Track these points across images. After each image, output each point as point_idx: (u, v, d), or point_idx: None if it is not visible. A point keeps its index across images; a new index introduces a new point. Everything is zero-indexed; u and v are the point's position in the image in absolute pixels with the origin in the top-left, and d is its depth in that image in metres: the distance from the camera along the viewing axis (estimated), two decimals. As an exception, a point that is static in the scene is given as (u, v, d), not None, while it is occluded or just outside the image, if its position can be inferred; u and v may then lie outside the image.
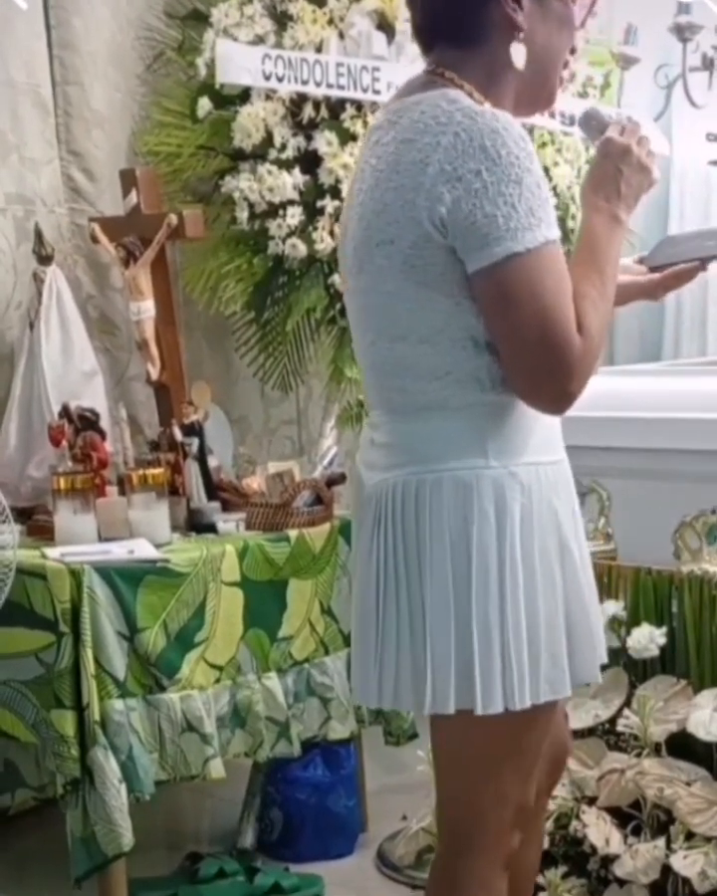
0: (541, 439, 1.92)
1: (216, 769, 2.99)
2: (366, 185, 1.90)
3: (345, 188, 3.61)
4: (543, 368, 1.80)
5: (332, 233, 3.65)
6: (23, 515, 3.27)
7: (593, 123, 2.03)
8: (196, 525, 3.26)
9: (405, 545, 1.89)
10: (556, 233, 1.81)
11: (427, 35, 1.97)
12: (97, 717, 2.84)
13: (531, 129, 3.71)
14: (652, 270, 2.22)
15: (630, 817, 2.80)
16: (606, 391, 3.47)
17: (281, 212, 3.67)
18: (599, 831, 2.79)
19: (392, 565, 1.91)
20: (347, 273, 1.97)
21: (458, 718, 1.88)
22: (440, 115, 1.80)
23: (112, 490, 3.29)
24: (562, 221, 3.89)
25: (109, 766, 2.84)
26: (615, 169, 1.93)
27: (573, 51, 2.00)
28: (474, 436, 1.87)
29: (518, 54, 1.90)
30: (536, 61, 1.93)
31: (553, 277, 1.79)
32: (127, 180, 3.64)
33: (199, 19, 3.86)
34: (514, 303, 1.78)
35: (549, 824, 2.80)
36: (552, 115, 3.78)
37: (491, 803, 1.98)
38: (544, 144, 3.88)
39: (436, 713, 1.89)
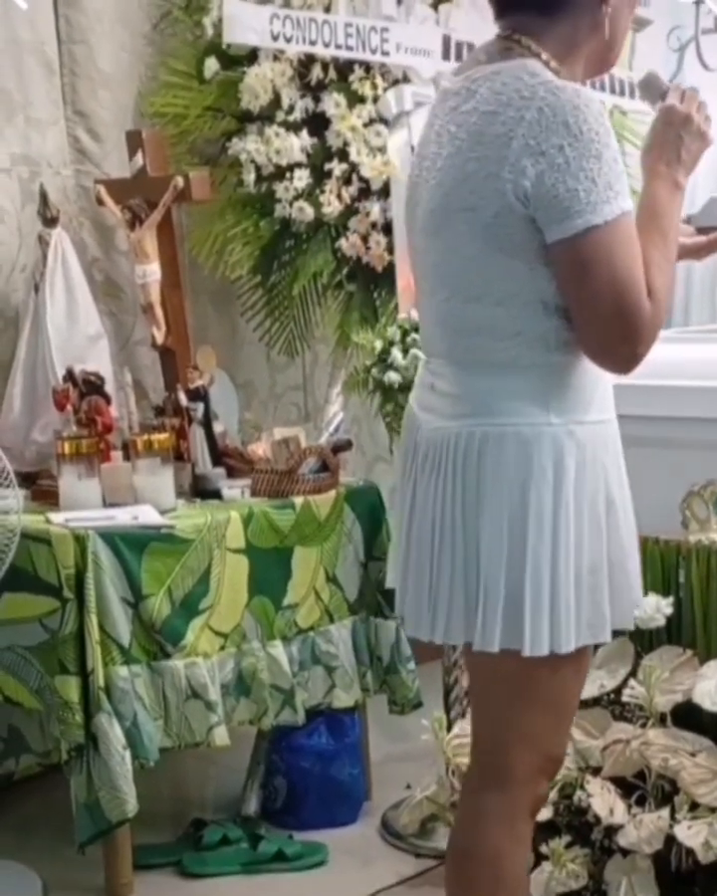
0: (598, 399, 2.02)
1: (220, 736, 3.00)
2: (445, 151, 1.99)
3: (352, 151, 3.58)
4: (616, 333, 1.90)
5: (339, 196, 3.62)
6: (27, 479, 3.26)
7: (652, 87, 2.10)
8: (201, 491, 3.25)
9: (465, 490, 1.99)
10: (630, 204, 1.89)
11: (507, 1, 2.02)
12: (101, 683, 2.85)
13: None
14: (699, 231, 2.28)
15: (635, 788, 2.79)
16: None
17: (288, 175, 3.64)
18: (604, 801, 2.78)
19: (451, 508, 2.01)
20: (421, 231, 2.05)
21: (499, 656, 1.98)
22: (523, 89, 1.88)
23: (116, 455, 3.28)
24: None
25: (113, 732, 2.85)
26: (677, 136, 2.01)
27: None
28: (538, 395, 1.97)
29: (597, 23, 1.98)
30: (611, 28, 2.01)
31: (627, 247, 1.89)
32: (134, 142, 3.61)
33: (207, -24, 3.82)
34: (591, 271, 1.88)
35: (553, 794, 2.79)
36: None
37: (521, 744, 2.07)
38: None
39: (483, 649, 1.98)
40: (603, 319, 1.89)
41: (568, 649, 1.98)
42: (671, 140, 2.01)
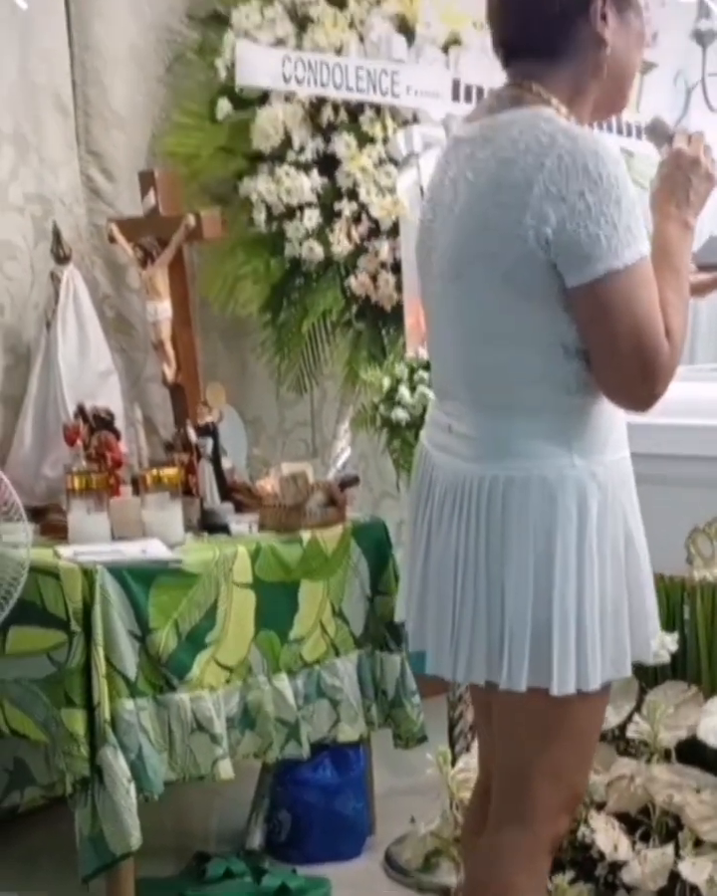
0: (616, 437, 2.07)
1: (225, 769, 3.00)
2: (463, 199, 2.01)
3: (362, 191, 3.62)
4: (636, 374, 1.93)
5: (349, 236, 3.66)
6: (37, 514, 3.28)
7: (659, 131, 2.17)
8: (209, 525, 3.27)
9: (489, 534, 2.00)
10: (648, 248, 1.93)
11: (512, 48, 2.06)
12: (107, 716, 2.85)
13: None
14: (701, 268, 2.30)
15: (639, 823, 2.79)
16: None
17: (298, 214, 3.68)
18: (608, 837, 2.78)
19: (474, 550, 2.02)
20: (439, 277, 2.07)
21: (525, 694, 1.99)
22: (542, 136, 1.91)
23: (125, 490, 3.30)
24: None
25: (118, 765, 2.85)
26: (686, 178, 2.06)
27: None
28: (560, 437, 1.99)
29: (605, 66, 2.02)
30: (616, 72, 2.05)
31: (646, 289, 1.92)
32: (146, 181, 3.66)
33: (220, 21, 3.88)
34: (612, 315, 1.91)
35: (556, 829, 2.79)
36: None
37: (544, 780, 2.07)
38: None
39: (510, 688, 1.99)
40: (624, 360, 1.92)
41: (594, 686, 2.00)
42: (680, 182, 2.06)
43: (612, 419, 2.04)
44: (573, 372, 1.97)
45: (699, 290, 2.32)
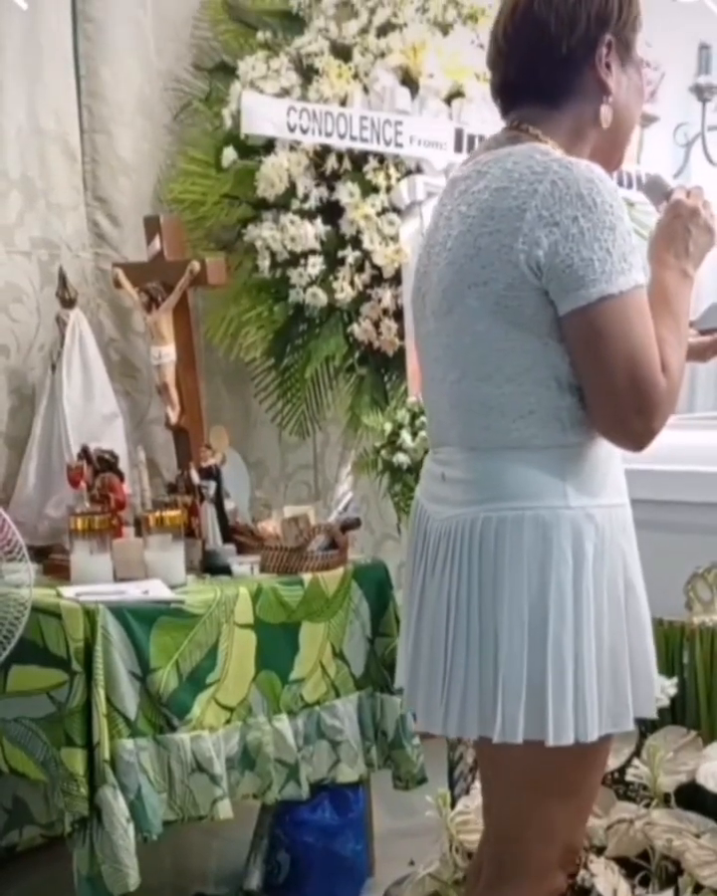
0: (614, 482, 2.00)
1: (224, 809, 3.00)
2: (456, 231, 1.98)
3: (365, 239, 3.66)
4: (631, 406, 1.87)
5: (352, 283, 3.69)
6: (40, 554, 3.29)
7: (656, 188, 2.15)
8: (211, 567, 3.29)
9: (482, 577, 1.94)
10: (644, 279, 1.89)
11: (514, 93, 2.05)
12: (106, 756, 2.85)
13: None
14: (702, 332, 2.32)
15: (639, 868, 2.77)
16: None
17: (302, 261, 3.72)
18: (607, 881, 2.76)
19: (466, 596, 1.96)
20: (431, 315, 2.04)
21: (516, 747, 1.93)
22: (535, 165, 1.89)
23: (128, 531, 3.32)
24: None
25: (117, 805, 2.84)
26: (685, 229, 2.03)
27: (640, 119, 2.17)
28: (555, 477, 1.93)
29: (607, 115, 2.01)
30: (616, 122, 2.03)
31: (641, 319, 1.87)
32: (152, 227, 3.70)
33: (226, 71, 3.94)
34: (606, 342, 1.86)
35: (556, 872, 2.78)
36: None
37: (538, 837, 2.02)
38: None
39: (505, 741, 1.92)
40: (618, 391, 1.86)
41: (592, 738, 1.93)
42: (679, 233, 2.02)
43: (609, 462, 1.98)
44: (567, 408, 1.92)
45: (700, 353, 2.32)
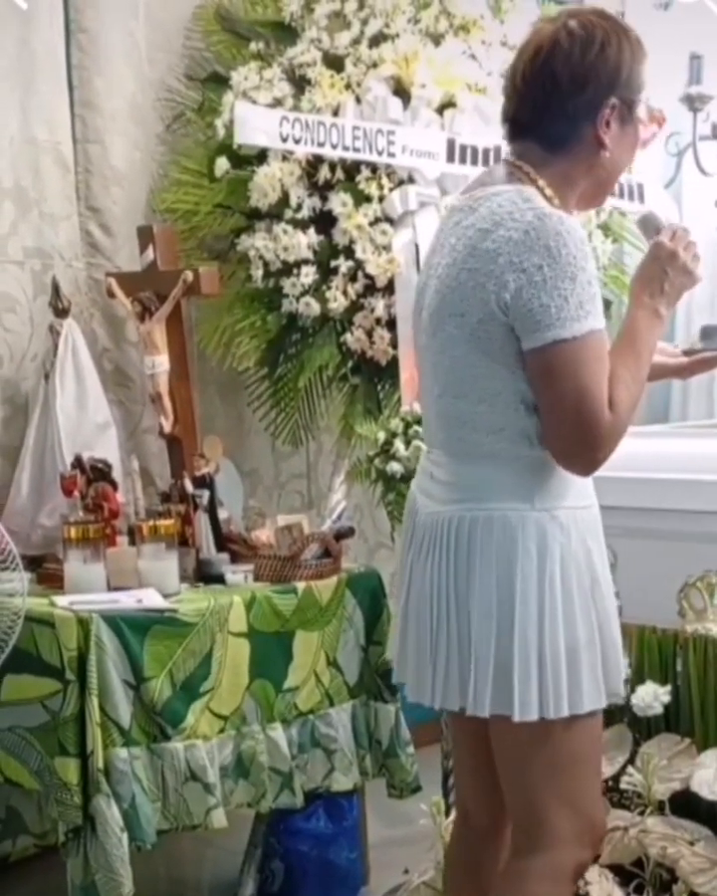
0: (578, 487, 2.19)
1: (218, 818, 2.99)
2: (445, 261, 2.18)
3: (358, 249, 3.67)
4: (575, 437, 2.08)
5: (345, 292, 3.70)
6: (33, 563, 3.29)
7: (649, 225, 2.28)
8: (205, 575, 3.29)
9: (457, 569, 2.17)
10: (601, 324, 2.07)
11: (519, 130, 2.23)
12: (100, 765, 2.84)
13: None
14: (685, 353, 2.50)
15: (633, 876, 2.78)
16: (616, 452, 3.50)
17: (295, 271, 3.72)
18: (602, 889, 2.76)
19: (446, 585, 2.19)
20: (423, 332, 2.25)
21: (519, 726, 2.14)
22: (516, 212, 2.09)
23: (122, 540, 3.33)
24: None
25: (111, 814, 2.84)
26: (661, 270, 2.19)
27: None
28: (521, 484, 2.15)
29: (593, 166, 2.19)
30: (606, 174, 2.23)
31: (592, 361, 2.06)
32: (145, 237, 3.69)
33: (219, 81, 3.94)
34: (557, 380, 2.07)
35: (550, 881, 2.78)
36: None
37: (559, 804, 2.21)
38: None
39: (475, 714, 2.14)
40: (565, 424, 2.07)
41: (561, 714, 2.14)
42: (656, 274, 2.18)
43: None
44: (533, 426, 2.13)
45: (679, 372, 2.54)
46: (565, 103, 2.15)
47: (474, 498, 2.17)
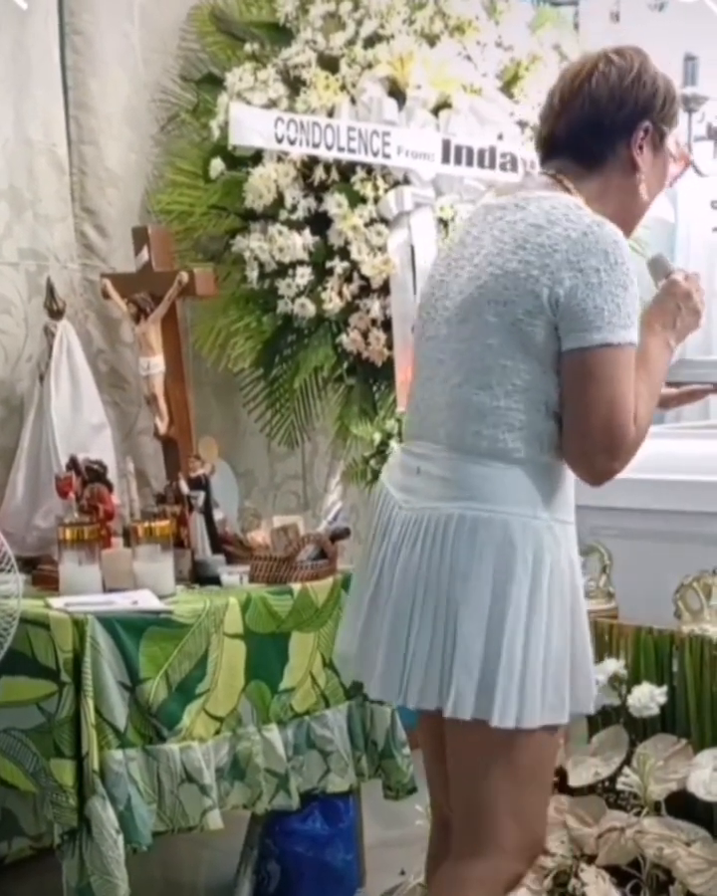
0: (569, 501, 2.24)
1: (214, 820, 2.99)
2: (485, 251, 2.19)
3: (353, 250, 3.67)
4: (601, 444, 2.11)
5: (340, 293, 3.70)
6: (28, 564, 3.28)
7: (659, 267, 2.36)
8: (200, 577, 3.29)
9: (453, 567, 2.15)
10: (637, 339, 2.13)
11: (556, 147, 2.29)
12: (96, 767, 2.84)
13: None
14: (669, 384, 2.49)
15: (630, 876, 2.77)
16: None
17: (290, 272, 3.73)
18: (598, 890, 2.75)
19: (436, 582, 2.16)
20: (444, 321, 2.24)
21: (482, 731, 2.14)
22: (571, 214, 2.13)
23: (117, 541, 3.32)
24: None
25: (106, 816, 2.83)
26: (676, 307, 2.27)
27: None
28: (529, 489, 2.16)
29: (641, 187, 2.26)
30: (636, 197, 2.28)
31: (627, 371, 2.11)
32: (140, 238, 3.69)
33: (214, 83, 3.95)
34: (595, 383, 2.09)
35: (547, 882, 2.77)
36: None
37: (504, 814, 2.21)
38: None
39: (455, 717, 2.13)
40: (593, 429, 2.10)
41: (533, 724, 2.15)
42: (670, 309, 2.27)
43: (569, 483, 2.23)
44: (548, 432, 2.15)
45: (665, 402, 2.53)
46: (601, 119, 2.22)
47: (477, 497, 2.16)
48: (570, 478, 2.22)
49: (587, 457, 2.14)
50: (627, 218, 2.28)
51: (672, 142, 2.32)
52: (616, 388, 2.08)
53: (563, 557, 2.18)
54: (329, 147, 3.65)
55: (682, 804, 2.80)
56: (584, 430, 2.11)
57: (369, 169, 3.70)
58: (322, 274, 3.73)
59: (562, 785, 2.95)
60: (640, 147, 2.23)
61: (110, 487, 3.35)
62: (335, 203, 3.69)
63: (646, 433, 2.16)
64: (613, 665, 2.97)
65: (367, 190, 3.68)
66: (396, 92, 3.75)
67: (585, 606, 2.26)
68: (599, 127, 2.23)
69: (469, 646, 2.12)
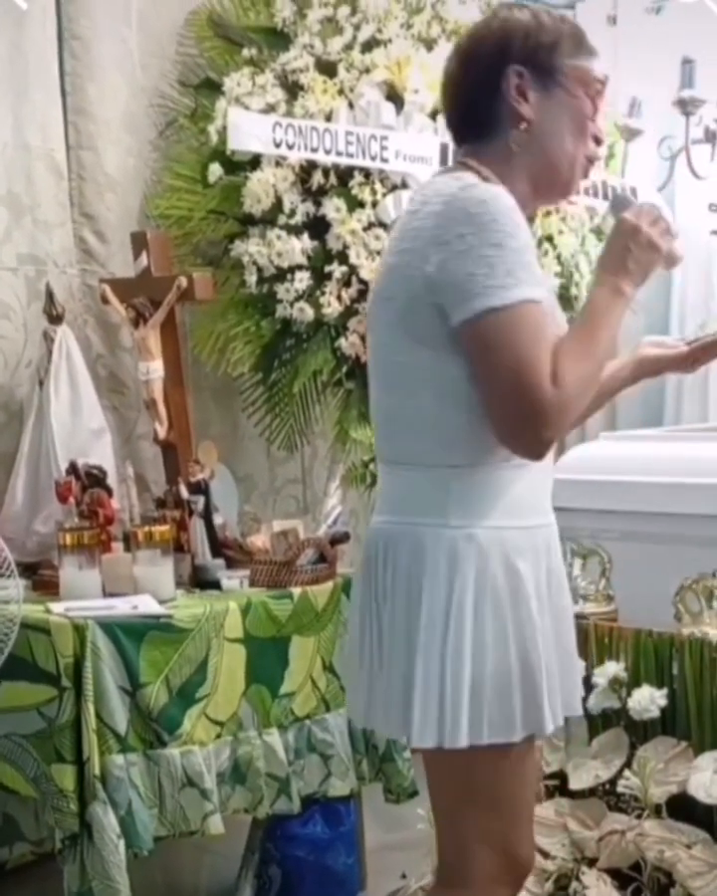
0: (511, 504, 2.04)
1: (215, 824, 2.99)
2: (384, 254, 2.11)
3: (351, 254, 3.67)
4: (517, 414, 1.93)
5: (339, 298, 3.70)
6: (28, 569, 3.29)
7: (619, 205, 2.16)
8: (200, 581, 3.29)
9: (376, 586, 2.07)
10: (536, 294, 1.94)
11: (455, 134, 2.16)
12: (97, 771, 2.84)
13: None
14: (689, 344, 2.39)
15: (631, 879, 2.78)
16: (610, 456, 3.51)
17: (289, 276, 3.73)
18: (600, 893, 2.77)
19: (367, 603, 2.10)
20: (367, 330, 2.14)
21: (437, 755, 2.04)
22: (444, 189, 1.98)
23: (117, 546, 3.32)
24: (564, 288, 3.96)
25: (107, 821, 2.83)
26: (623, 247, 2.05)
27: (598, 141, 2.15)
28: (439, 495, 2.02)
29: (519, 141, 2.08)
30: (545, 149, 2.09)
31: (528, 331, 1.92)
32: (138, 243, 3.70)
33: (212, 88, 3.94)
34: (491, 352, 1.93)
35: (549, 885, 2.79)
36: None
37: (478, 843, 2.09)
38: (548, 214, 3.95)
39: (384, 734, 2.13)
40: (505, 399, 1.93)
41: (457, 745, 1.99)
42: (618, 250, 2.05)
43: (512, 485, 2.03)
44: (463, 427, 1.99)
45: (682, 364, 2.40)
46: (464, 86, 2.10)
47: (392, 510, 2.08)
48: (512, 479, 2.03)
49: (510, 431, 1.95)
50: (552, 174, 2.11)
51: (576, 70, 2.09)
52: (518, 351, 1.91)
53: (493, 565, 2.00)
54: (327, 152, 3.65)
55: (683, 807, 2.81)
56: (496, 404, 1.94)
57: (367, 174, 3.70)
58: (320, 278, 3.73)
59: (563, 789, 2.97)
60: (522, 95, 2.05)
61: (109, 492, 3.35)
62: (333, 207, 3.69)
63: (580, 394, 1.97)
64: (614, 668, 2.97)
65: (366, 194, 3.68)
66: (394, 96, 3.75)
67: (536, 619, 2.04)
68: (468, 95, 2.10)
69: (391, 667, 2.03)
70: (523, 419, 1.93)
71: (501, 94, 2.05)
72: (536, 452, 1.98)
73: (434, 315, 1.96)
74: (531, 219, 2.22)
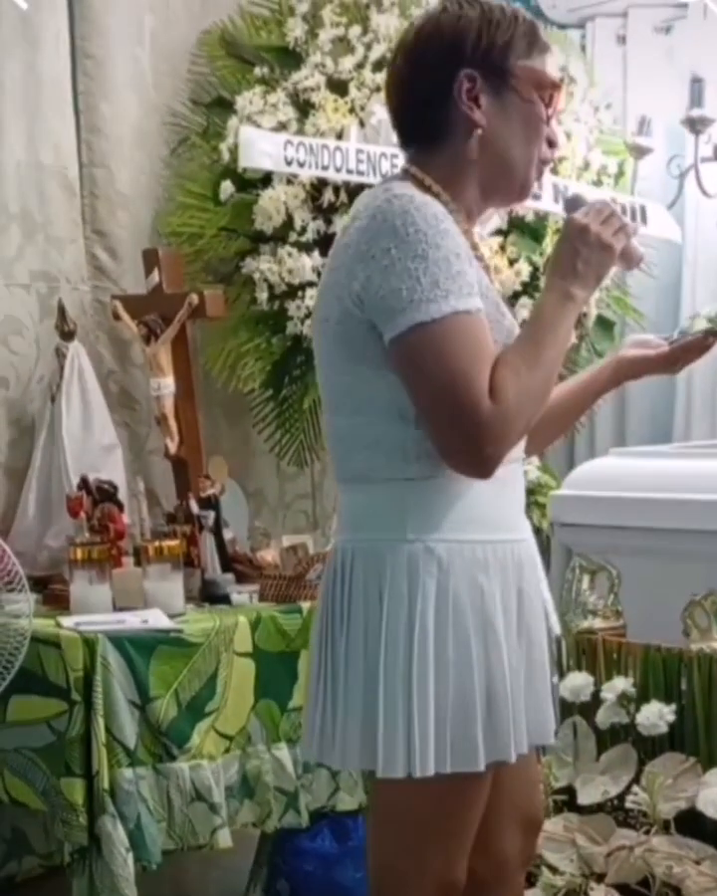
0: (474, 517, 1.96)
1: (224, 838, 2.99)
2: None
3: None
4: (455, 433, 1.86)
5: (349, 315, 3.71)
6: (39, 584, 3.29)
7: (571, 206, 2.07)
8: (210, 596, 3.29)
9: (333, 606, 1.99)
10: (468, 304, 1.86)
11: (400, 135, 2.08)
12: (106, 785, 2.85)
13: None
14: (670, 344, 2.27)
15: (639, 895, 2.78)
16: (619, 472, 3.52)
17: (300, 293, 3.74)
18: (608, 909, 2.77)
19: (323, 625, 2.01)
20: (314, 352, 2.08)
21: (387, 782, 1.94)
22: (371, 202, 1.92)
23: (128, 561, 3.33)
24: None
25: (116, 834, 2.84)
26: (571, 249, 1.97)
27: (551, 144, 2.06)
28: (393, 509, 1.94)
29: (469, 147, 1.99)
30: (498, 155, 2.01)
31: (461, 345, 1.85)
32: (150, 260, 3.71)
33: (224, 106, 3.96)
34: (423, 369, 1.86)
35: (557, 901, 2.79)
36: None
37: (411, 872, 2.01)
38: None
39: (346, 768, 2.03)
40: (439, 419, 1.87)
41: (427, 773, 1.90)
42: (566, 253, 1.97)
43: (474, 496, 1.95)
44: (412, 440, 1.92)
45: (664, 364, 2.26)
46: (414, 92, 2.00)
47: (350, 527, 2.00)
48: (470, 490, 1.94)
49: (449, 449, 1.87)
50: (505, 180, 2.03)
51: (529, 72, 1.99)
52: (450, 365, 1.83)
53: (454, 581, 1.91)
54: (338, 170, 3.67)
55: (692, 823, 2.81)
56: (432, 423, 1.87)
57: (378, 191, 3.71)
58: (331, 295, 3.74)
59: (571, 804, 2.97)
60: (475, 100, 1.96)
61: (120, 507, 3.36)
62: (343, 225, 3.70)
63: (524, 408, 1.88)
64: (622, 683, 2.98)
65: (376, 212, 3.69)
66: (405, 114, 3.76)
67: (502, 638, 1.95)
68: (415, 102, 2.00)
69: (351, 696, 1.93)
70: (461, 438, 1.86)
71: (452, 99, 1.96)
72: (480, 471, 1.90)
73: (369, 332, 1.89)
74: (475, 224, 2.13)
